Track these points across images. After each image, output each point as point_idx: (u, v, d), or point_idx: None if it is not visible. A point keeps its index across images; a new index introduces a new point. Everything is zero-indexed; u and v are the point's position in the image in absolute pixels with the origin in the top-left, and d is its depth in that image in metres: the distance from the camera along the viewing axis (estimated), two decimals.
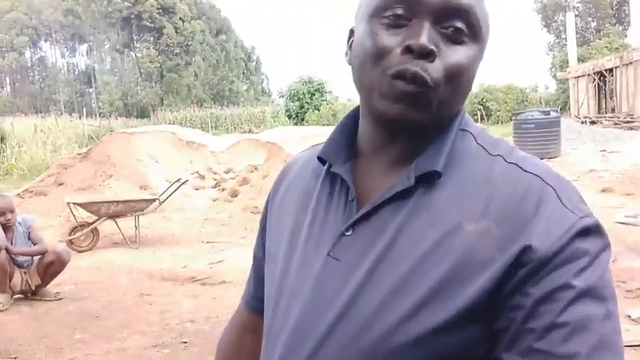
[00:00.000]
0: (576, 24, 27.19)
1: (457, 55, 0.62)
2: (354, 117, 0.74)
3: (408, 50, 0.60)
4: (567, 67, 21.73)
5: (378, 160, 0.69)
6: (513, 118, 13.99)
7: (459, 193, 0.62)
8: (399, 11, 0.62)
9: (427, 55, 0.60)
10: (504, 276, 0.57)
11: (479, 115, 27.55)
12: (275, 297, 0.70)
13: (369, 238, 0.64)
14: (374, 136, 0.69)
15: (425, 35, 0.60)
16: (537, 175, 0.61)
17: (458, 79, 0.63)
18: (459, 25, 0.62)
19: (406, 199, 0.64)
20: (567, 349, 0.54)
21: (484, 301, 0.57)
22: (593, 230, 0.59)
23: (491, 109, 27.50)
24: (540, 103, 26.67)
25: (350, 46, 0.70)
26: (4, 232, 3.96)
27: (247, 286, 0.92)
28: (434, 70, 0.60)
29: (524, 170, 0.62)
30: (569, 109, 22.13)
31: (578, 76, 19.82)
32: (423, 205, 0.63)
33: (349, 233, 0.65)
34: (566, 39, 25.50)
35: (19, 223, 4.14)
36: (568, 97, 22.79)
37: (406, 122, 0.63)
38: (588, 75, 18.75)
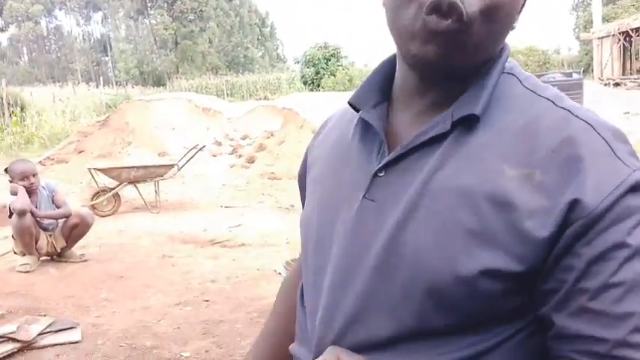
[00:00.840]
0: None
1: None
2: (390, 62, 0.72)
3: None
4: (591, 27, 21.03)
5: (412, 106, 0.67)
6: None
7: (501, 137, 0.60)
8: None
9: None
10: (555, 228, 0.54)
11: None
12: (315, 239, 0.71)
13: (403, 180, 0.62)
14: (408, 81, 0.67)
15: None
16: (590, 124, 0.58)
17: (496, 14, 0.59)
18: None
19: (441, 142, 0.62)
20: (622, 308, 0.53)
21: (535, 253, 0.55)
22: None
23: None
24: (563, 65, 25.92)
25: None
26: (29, 196, 4.06)
27: None
28: (469, 4, 0.57)
29: (577, 116, 0.59)
30: (592, 71, 21.53)
31: (602, 37, 19.17)
32: (461, 148, 0.61)
33: (382, 174, 0.64)
34: None
35: (43, 187, 4.23)
36: (591, 58, 22.14)
37: (441, 66, 0.60)
38: (613, 35, 18.13)
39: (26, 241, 4.04)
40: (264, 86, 27.75)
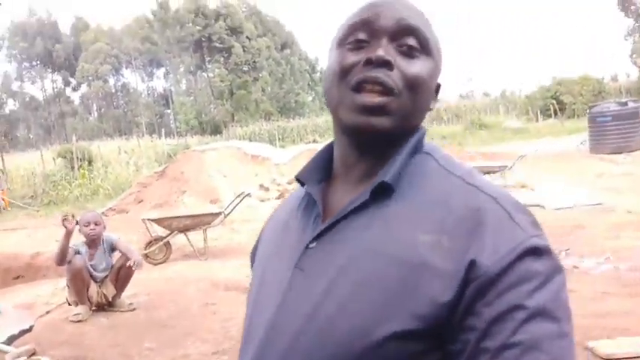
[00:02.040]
0: None
1: (414, 67, 0.70)
2: (331, 144, 0.81)
3: (368, 62, 0.68)
4: None
5: (348, 178, 0.74)
6: (588, 111, 13.26)
7: (416, 208, 0.66)
8: (361, 36, 0.71)
9: (385, 63, 0.68)
10: (457, 290, 0.59)
11: (552, 110, 26.21)
12: (250, 308, 0.78)
13: (331, 250, 0.69)
14: (345, 154, 0.75)
15: (382, 49, 0.69)
16: (494, 197, 0.65)
17: (417, 88, 0.70)
18: (412, 42, 0.70)
19: (365, 212, 0.69)
20: None
21: (440, 315, 0.59)
22: (543, 251, 0.61)
23: (566, 103, 26.07)
24: (621, 92, 24.95)
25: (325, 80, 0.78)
26: (90, 247, 4.38)
27: None
28: (394, 77, 0.68)
29: (482, 191, 0.66)
30: None
31: None
32: (380, 217, 0.67)
33: (313, 245, 0.71)
34: None
35: (103, 241, 4.52)
36: None
37: (373, 131, 0.69)
38: None
39: (78, 287, 4.28)
40: (314, 129, 28.34)
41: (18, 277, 7.15)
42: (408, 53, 0.70)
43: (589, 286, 4.25)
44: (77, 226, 4.30)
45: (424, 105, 0.72)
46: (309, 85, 52.67)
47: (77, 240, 4.42)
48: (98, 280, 4.49)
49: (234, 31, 46.29)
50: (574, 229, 6.22)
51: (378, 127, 0.68)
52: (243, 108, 43.71)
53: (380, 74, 0.67)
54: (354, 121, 0.69)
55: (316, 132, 27.71)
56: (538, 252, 0.60)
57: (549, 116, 26.29)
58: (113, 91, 57.65)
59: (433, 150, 0.74)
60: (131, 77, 59.93)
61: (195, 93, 48.97)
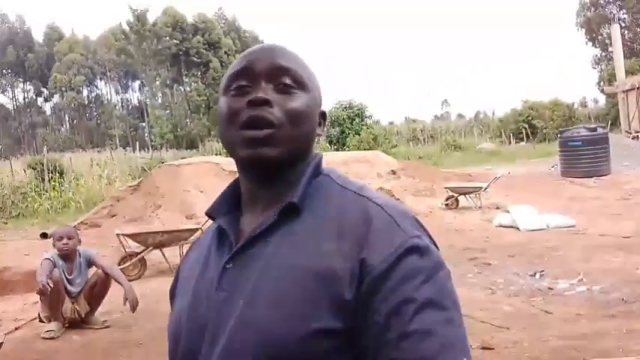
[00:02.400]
0: (623, 36, 26.32)
1: (292, 102, 0.79)
2: (236, 180, 0.88)
3: (250, 104, 0.78)
4: (615, 80, 21.02)
5: (255, 208, 0.82)
6: (559, 135, 13.65)
7: (319, 222, 0.76)
8: (242, 82, 0.81)
9: (264, 102, 0.77)
10: (356, 287, 0.68)
11: (524, 133, 26.92)
12: (173, 337, 0.82)
13: (247, 267, 0.76)
14: (248, 187, 0.83)
15: (261, 90, 0.78)
16: (381, 206, 0.76)
17: (297, 119, 0.79)
18: (287, 80, 0.80)
19: (275, 231, 0.77)
20: (417, 354, 0.65)
21: (348, 312, 0.68)
22: (424, 250, 0.71)
23: (537, 127, 26.81)
24: (589, 118, 25.83)
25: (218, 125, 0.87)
26: (65, 260, 4.27)
27: None
28: (275, 112, 0.78)
29: (371, 201, 0.77)
30: (619, 124, 21.32)
31: (627, 90, 19.13)
32: (289, 234, 0.76)
33: (230, 266, 0.78)
34: (612, 52, 24.72)
35: (79, 254, 4.41)
36: (618, 111, 21.98)
37: (264, 160, 0.77)
38: (638, 88, 18.05)
39: (53, 302, 4.16)
40: None
41: None
42: (285, 90, 0.80)
43: (563, 308, 4.33)
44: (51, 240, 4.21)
45: (307, 133, 0.82)
46: None
47: (53, 251, 4.31)
48: (73, 296, 4.37)
49: (212, 45, 46.32)
50: (547, 250, 6.35)
51: (267, 157, 0.77)
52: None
53: (261, 112, 0.77)
54: (247, 154, 0.78)
55: None
56: (419, 251, 0.70)
57: (521, 139, 26.97)
58: (86, 102, 56.79)
59: (331, 172, 0.84)
60: (105, 89, 59.01)
61: (172, 107, 48.62)
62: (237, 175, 0.87)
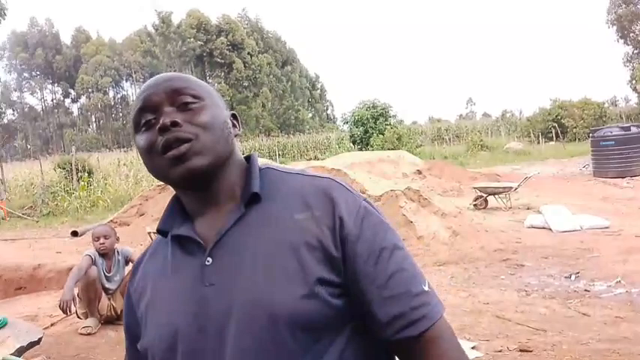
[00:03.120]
0: None
1: (198, 115, 0.85)
2: (176, 196, 0.94)
3: (161, 130, 0.83)
4: None
5: (206, 216, 0.88)
6: (591, 135, 13.36)
7: (282, 202, 0.85)
8: (148, 117, 0.87)
9: (173, 124, 0.83)
10: (338, 246, 0.80)
11: (553, 133, 26.42)
12: (167, 347, 0.83)
13: (228, 257, 0.82)
14: (193, 203, 0.89)
15: (165, 116, 0.84)
16: (329, 178, 0.88)
17: (209, 127, 0.85)
18: (185, 99, 0.86)
19: (243, 221, 0.84)
20: (400, 288, 0.81)
21: (340, 268, 0.80)
22: (370, 208, 0.86)
23: (567, 126, 26.28)
24: (621, 117, 25.21)
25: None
26: (104, 257, 4.35)
27: None
28: (186, 129, 0.83)
29: (318, 177, 0.89)
30: None
31: None
32: (259, 218, 0.84)
33: (209, 262, 0.82)
34: None
35: (117, 252, 4.49)
36: None
37: (197, 171, 0.83)
38: None
39: (90, 298, 4.23)
40: (315, 146, 28.45)
41: (20, 289, 7.05)
42: (188, 108, 0.86)
43: (602, 311, 4.22)
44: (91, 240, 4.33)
45: (224, 136, 0.87)
46: (308, 101, 53.00)
47: (93, 249, 4.38)
48: (110, 292, 4.44)
49: (236, 46, 46.73)
50: (582, 252, 6.21)
51: (196, 167, 0.83)
52: (243, 123, 43.84)
53: (172, 133, 0.82)
54: (178, 173, 0.83)
55: (317, 148, 27.81)
56: (369, 210, 0.85)
57: (550, 139, 26.47)
58: (112, 103, 57.85)
59: (270, 165, 0.93)
60: (131, 90, 59.98)
61: None
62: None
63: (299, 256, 0.79)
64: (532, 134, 27.48)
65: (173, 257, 0.88)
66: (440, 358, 0.81)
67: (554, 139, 26.14)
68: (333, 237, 0.80)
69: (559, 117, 26.40)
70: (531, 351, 3.44)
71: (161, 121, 0.83)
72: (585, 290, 4.83)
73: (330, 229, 0.80)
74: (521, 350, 3.46)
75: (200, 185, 0.86)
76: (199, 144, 0.83)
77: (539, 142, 25.54)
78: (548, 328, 3.86)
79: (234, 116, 0.94)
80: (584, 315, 4.14)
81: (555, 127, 25.76)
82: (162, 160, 0.84)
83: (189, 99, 0.87)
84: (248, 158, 0.93)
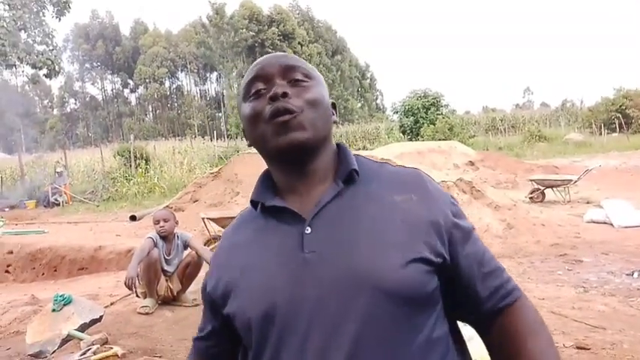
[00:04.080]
0: None
1: (307, 92, 0.91)
2: (265, 173, 0.99)
3: (271, 99, 0.88)
4: None
5: (296, 193, 0.92)
6: None
7: (379, 184, 0.91)
8: (259, 86, 0.92)
9: (283, 95, 0.88)
10: (438, 231, 0.87)
11: (617, 124, 25.11)
12: (266, 303, 0.85)
13: (328, 228, 0.86)
14: (286, 178, 0.93)
15: (277, 86, 0.89)
16: (416, 170, 0.96)
17: (315, 104, 0.90)
18: (298, 75, 0.92)
19: (342, 197, 0.89)
20: (489, 266, 0.93)
21: (433, 251, 0.85)
22: (454, 199, 0.95)
23: (632, 117, 24.90)
24: None
25: (244, 132, 0.98)
26: (165, 241, 4.52)
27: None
28: (294, 102, 0.88)
29: (408, 168, 0.97)
30: None
31: None
32: (357, 196, 0.89)
33: (309, 231, 0.86)
34: None
35: (177, 236, 4.65)
36: None
37: (297, 143, 0.87)
38: None
39: (150, 279, 4.40)
40: (364, 136, 28.26)
41: (82, 269, 7.44)
42: (299, 84, 0.91)
43: None
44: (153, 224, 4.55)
45: (326, 117, 0.92)
46: (358, 91, 52.65)
47: (154, 232, 4.56)
48: (168, 274, 4.61)
49: (287, 36, 46.96)
50: None
51: (298, 140, 0.87)
52: None
53: (282, 103, 0.87)
54: (279, 141, 0.87)
55: (366, 138, 27.62)
56: (454, 199, 0.95)
57: (613, 130, 25.16)
58: (168, 93, 59.55)
59: (358, 154, 0.98)
60: (185, 80, 61.59)
61: None
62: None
63: (403, 232, 0.84)
64: (594, 125, 26.16)
65: (266, 226, 0.92)
66: (530, 322, 0.91)
67: (618, 130, 24.83)
68: (431, 221, 0.86)
69: (623, 107, 25.03)
70: (589, 349, 3.31)
71: (273, 90, 0.88)
72: None
73: (429, 214, 0.87)
74: (578, 347, 3.34)
75: (297, 159, 0.90)
76: (304, 117, 0.88)
77: (601, 134, 24.31)
78: (607, 326, 3.70)
79: (333, 105, 0.98)
80: None
81: (619, 117, 24.49)
82: (267, 127, 0.88)
83: (301, 77, 0.92)
84: (336, 146, 0.98)
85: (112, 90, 62.13)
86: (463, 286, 0.90)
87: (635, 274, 5.00)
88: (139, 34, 57.39)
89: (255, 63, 0.96)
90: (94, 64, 58.99)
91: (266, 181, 0.97)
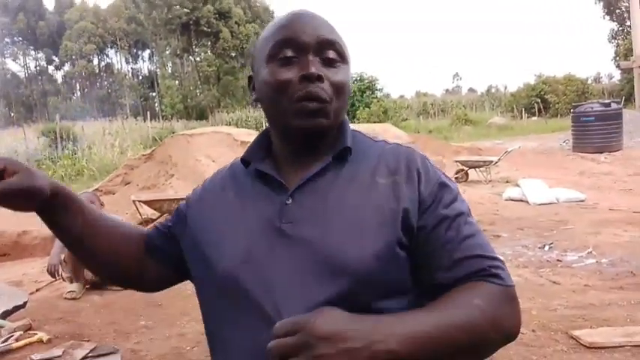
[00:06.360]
0: None
1: (337, 75, 0.87)
2: (265, 132, 0.97)
3: (304, 79, 0.84)
4: (632, 55, 20.60)
5: (298, 161, 0.90)
6: (572, 110, 13.52)
7: (367, 164, 0.88)
8: (288, 53, 0.85)
9: (318, 78, 0.84)
10: (418, 209, 0.83)
11: (536, 108, 26.60)
12: (240, 269, 0.83)
13: (308, 202, 0.85)
14: (291, 150, 0.91)
15: (312, 66, 0.84)
16: (412, 149, 0.92)
17: (342, 92, 0.88)
18: (332, 54, 0.86)
19: (329, 173, 0.87)
20: (471, 251, 0.84)
21: (406, 235, 0.82)
22: (448, 181, 0.89)
23: (550, 102, 26.46)
24: (603, 94, 25.44)
25: (253, 89, 0.95)
26: None
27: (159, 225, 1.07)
28: (326, 88, 0.85)
29: (402, 146, 0.92)
30: (634, 100, 20.98)
31: None
32: (343, 175, 0.87)
33: (289, 202, 0.85)
34: (630, 26, 24.14)
35: None
36: (633, 87, 21.60)
37: (318, 129, 0.86)
38: None
39: (75, 264, 4.28)
40: None
41: (4, 255, 7.08)
42: (331, 64, 0.86)
43: (572, 279, 4.39)
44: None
45: (347, 103, 0.91)
46: None
47: None
48: None
49: (223, 15, 45.76)
50: (557, 224, 6.39)
51: (321, 126, 0.85)
52: (230, 94, 43.39)
53: (316, 89, 0.83)
54: (301, 124, 0.85)
55: None
56: (446, 183, 0.88)
57: (533, 114, 26.65)
58: (97, 71, 56.68)
59: (357, 130, 0.97)
60: (116, 58, 58.81)
61: (182, 77, 48.44)
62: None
63: (378, 216, 0.82)
64: (516, 109, 27.62)
65: (253, 188, 0.91)
66: (483, 293, 0.82)
67: (537, 114, 26.33)
68: (411, 204, 0.83)
69: (542, 92, 26.54)
70: None
71: (310, 70, 0.83)
72: (557, 260, 5.00)
73: (409, 196, 0.83)
74: None
75: (311, 141, 0.89)
76: (331, 107, 0.85)
77: (522, 118, 25.72)
78: (519, 295, 3.99)
79: None
80: (554, 283, 4.31)
81: (538, 102, 25.95)
82: (292, 105, 0.84)
83: (335, 56, 0.87)
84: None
85: (35, 67, 58.36)
86: (429, 270, 0.84)
87: (546, 247, 5.42)
88: (64, 8, 53.98)
89: (286, 21, 0.88)
90: (15, 38, 55.02)
91: (263, 142, 0.95)
